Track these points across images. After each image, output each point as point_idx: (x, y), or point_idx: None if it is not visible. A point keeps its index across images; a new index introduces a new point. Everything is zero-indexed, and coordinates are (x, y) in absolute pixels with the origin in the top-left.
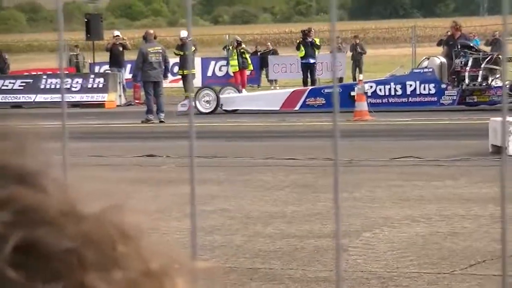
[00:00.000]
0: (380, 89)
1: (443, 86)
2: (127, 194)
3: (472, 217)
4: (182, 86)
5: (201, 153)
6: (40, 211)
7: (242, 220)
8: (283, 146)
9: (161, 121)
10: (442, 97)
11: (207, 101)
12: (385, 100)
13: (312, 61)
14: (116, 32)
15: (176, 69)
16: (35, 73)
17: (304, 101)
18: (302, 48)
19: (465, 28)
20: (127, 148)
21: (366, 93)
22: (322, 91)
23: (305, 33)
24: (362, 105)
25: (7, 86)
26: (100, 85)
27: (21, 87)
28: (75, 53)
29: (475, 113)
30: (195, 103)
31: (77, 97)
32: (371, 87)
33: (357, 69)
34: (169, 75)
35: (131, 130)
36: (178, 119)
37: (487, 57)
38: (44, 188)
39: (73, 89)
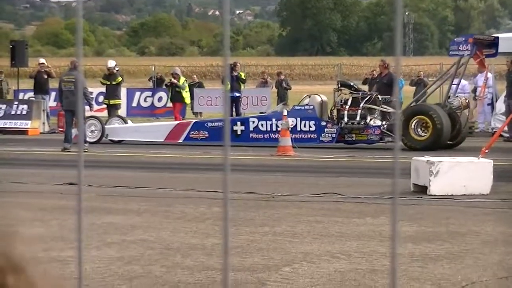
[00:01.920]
0: (262, 125)
1: (323, 123)
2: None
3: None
4: (108, 115)
5: (123, 183)
6: None
7: (161, 251)
8: (206, 179)
9: (84, 151)
10: (322, 134)
11: (92, 130)
12: (266, 136)
13: (237, 95)
14: (41, 60)
15: (102, 98)
16: None
17: (188, 134)
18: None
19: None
20: (49, 176)
21: (289, 128)
22: (205, 125)
23: (231, 67)
24: (286, 140)
25: None
26: (24, 112)
27: None
28: None
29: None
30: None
31: (0, 123)
32: (253, 122)
33: None
34: (93, 104)
35: (53, 158)
36: (103, 148)
37: (366, 97)
38: None
39: None
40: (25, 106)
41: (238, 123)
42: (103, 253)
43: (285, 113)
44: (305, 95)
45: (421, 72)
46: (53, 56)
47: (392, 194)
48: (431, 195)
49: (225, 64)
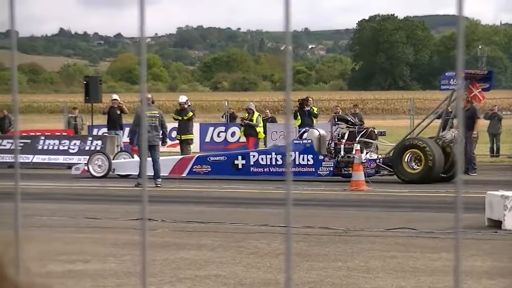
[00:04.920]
0: (262, 159)
1: (321, 157)
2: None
3: None
4: (180, 150)
5: (196, 218)
6: None
7: (235, 287)
8: (279, 214)
9: (157, 186)
10: (320, 168)
11: (99, 165)
12: (266, 169)
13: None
14: (114, 96)
15: (174, 133)
16: (33, 133)
17: (191, 168)
18: (299, 117)
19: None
20: (123, 211)
21: (363, 163)
22: (208, 159)
23: (302, 102)
24: (359, 175)
25: (5, 146)
26: (98, 148)
27: (19, 147)
28: (73, 115)
29: (472, 187)
30: (88, 167)
31: (75, 159)
32: (254, 156)
33: None
34: (167, 140)
35: (127, 193)
36: (176, 184)
37: (362, 131)
38: None
39: (71, 151)
40: (99, 142)
41: (239, 157)
42: None
43: (357, 147)
44: (304, 130)
45: (495, 106)
46: (126, 91)
47: (455, 228)
48: (505, 229)
49: (287, 99)
